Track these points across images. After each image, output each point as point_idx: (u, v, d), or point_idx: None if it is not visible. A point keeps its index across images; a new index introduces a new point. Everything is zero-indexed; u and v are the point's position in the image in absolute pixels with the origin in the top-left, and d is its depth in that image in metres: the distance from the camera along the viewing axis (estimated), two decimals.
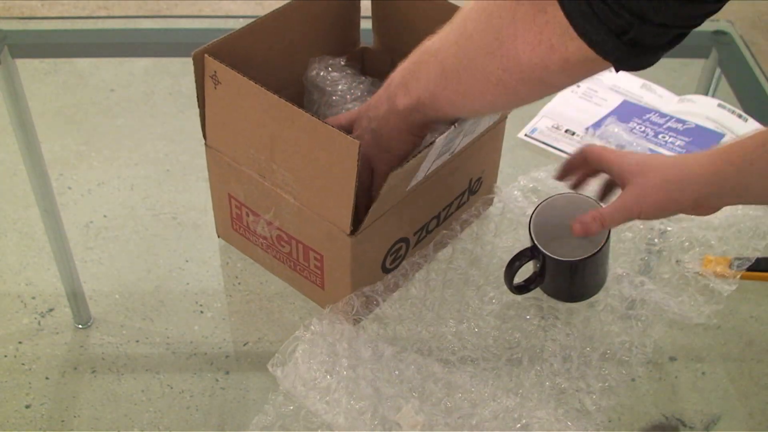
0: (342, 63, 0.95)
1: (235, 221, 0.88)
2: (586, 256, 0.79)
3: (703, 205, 0.77)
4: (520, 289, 0.84)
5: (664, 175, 0.77)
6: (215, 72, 0.76)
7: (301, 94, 0.95)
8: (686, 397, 0.80)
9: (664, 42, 0.58)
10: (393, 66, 0.98)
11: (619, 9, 0.54)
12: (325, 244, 0.79)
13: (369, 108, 0.79)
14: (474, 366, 0.79)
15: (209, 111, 0.81)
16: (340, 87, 0.94)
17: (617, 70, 0.59)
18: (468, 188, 0.91)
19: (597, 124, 1.09)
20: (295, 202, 0.78)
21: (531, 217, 0.81)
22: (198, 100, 0.81)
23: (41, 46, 1.27)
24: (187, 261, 0.91)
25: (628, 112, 1.12)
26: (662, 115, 1.11)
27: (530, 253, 0.81)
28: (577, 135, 1.08)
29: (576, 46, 0.57)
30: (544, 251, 0.80)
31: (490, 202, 0.96)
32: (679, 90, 1.17)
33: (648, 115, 1.11)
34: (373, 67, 1.00)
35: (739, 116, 1.11)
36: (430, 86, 0.70)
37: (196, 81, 0.79)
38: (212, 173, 0.87)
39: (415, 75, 0.71)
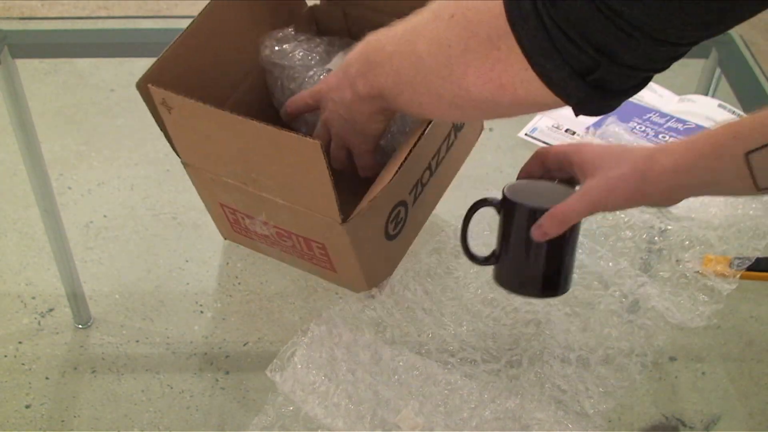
0: (291, 32, 0.92)
1: (234, 225, 0.88)
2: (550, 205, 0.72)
3: (672, 197, 0.73)
4: (476, 258, 0.77)
5: (633, 167, 0.71)
6: (164, 99, 0.75)
7: (264, 76, 0.93)
8: (686, 397, 0.80)
9: (630, 86, 0.54)
10: (345, 17, 0.95)
11: (585, 45, 0.50)
12: (323, 234, 0.79)
13: (331, 89, 0.77)
14: (473, 368, 0.79)
15: (173, 134, 0.80)
16: (297, 57, 0.91)
17: (576, 114, 0.56)
18: (452, 127, 0.88)
19: (597, 124, 1.09)
20: (284, 203, 0.78)
21: (504, 186, 0.76)
22: (158, 125, 0.79)
23: (41, 46, 1.27)
24: (187, 261, 0.91)
25: (628, 111, 1.12)
26: (663, 115, 1.11)
27: (494, 202, 0.76)
28: (578, 134, 1.08)
29: (532, 87, 0.54)
30: (510, 197, 0.74)
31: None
32: (679, 90, 1.17)
33: (648, 115, 1.11)
34: (327, 23, 0.97)
35: (740, 116, 1.11)
36: (389, 85, 0.68)
37: (149, 109, 0.77)
38: (198, 186, 0.86)
39: (372, 70, 0.69)
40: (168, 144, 0.85)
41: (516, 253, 0.76)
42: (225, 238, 0.93)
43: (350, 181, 0.77)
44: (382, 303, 0.84)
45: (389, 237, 0.83)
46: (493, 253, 0.77)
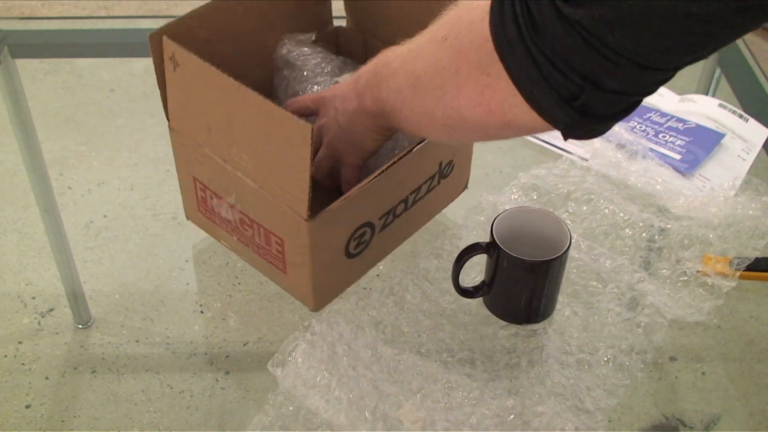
0: (312, 39, 0.93)
1: (201, 204, 0.87)
2: (544, 258, 0.79)
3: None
4: (466, 292, 0.83)
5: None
6: (173, 54, 0.75)
7: (272, 72, 0.94)
8: (686, 397, 0.80)
9: (617, 110, 0.54)
10: (365, 46, 0.98)
11: (570, 73, 0.50)
12: (284, 229, 0.78)
13: (336, 97, 0.78)
14: (473, 368, 0.79)
15: (170, 93, 0.80)
16: (311, 63, 0.92)
17: (565, 138, 0.56)
18: (438, 171, 0.89)
19: None
20: (254, 185, 0.77)
21: (494, 220, 0.81)
22: (158, 82, 0.79)
23: (41, 46, 1.27)
24: (187, 261, 0.91)
25: None
26: (663, 114, 1.11)
27: (486, 247, 0.80)
28: None
29: (520, 112, 0.54)
30: (501, 246, 0.79)
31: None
32: (679, 89, 1.17)
33: (649, 115, 1.11)
34: (347, 47, 0.99)
35: (740, 116, 1.11)
36: (390, 101, 0.69)
37: (154, 62, 0.78)
38: (177, 156, 0.86)
39: (378, 84, 0.70)
40: (168, 143, 0.86)
41: (501, 289, 0.83)
42: (187, 218, 0.92)
43: (325, 197, 0.77)
44: (382, 303, 0.84)
45: (349, 255, 0.82)
46: (483, 283, 0.84)
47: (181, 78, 0.77)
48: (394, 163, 0.79)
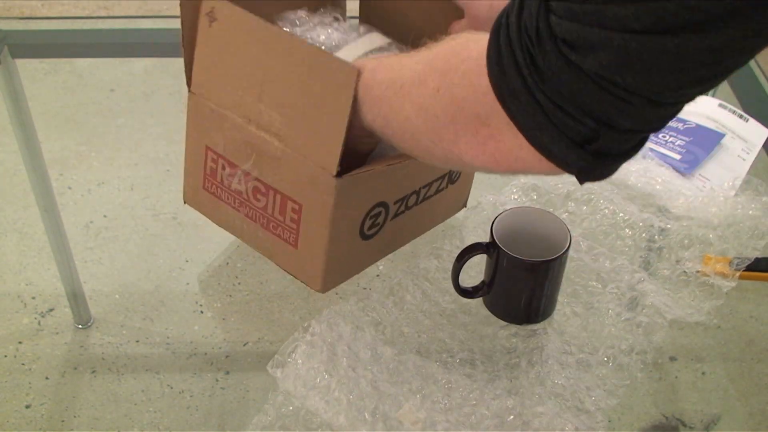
0: (305, 15, 0.89)
1: (208, 178, 0.86)
2: (544, 258, 0.79)
3: None
4: (466, 292, 0.83)
5: None
6: (212, 8, 0.75)
7: None
8: (686, 397, 0.80)
9: (630, 147, 0.54)
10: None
11: (582, 116, 0.50)
12: (305, 192, 0.77)
13: None
14: (473, 368, 0.79)
15: (199, 53, 0.79)
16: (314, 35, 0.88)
17: (581, 182, 0.55)
18: (448, 174, 0.90)
19: None
20: (280, 145, 0.76)
21: (494, 220, 0.81)
22: (183, 44, 0.79)
23: (41, 46, 1.27)
24: (187, 261, 0.91)
25: None
26: None
27: (485, 247, 0.80)
28: None
29: (529, 159, 0.53)
30: (500, 246, 0.79)
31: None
32: None
33: None
34: None
35: (740, 116, 1.11)
36: (378, 126, 0.66)
37: (183, 23, 0.77)
38: (191, 124, 0.85)
39: (361, 107, 0.67)
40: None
41: (501, 289, 0.83)
42: (185, 202, 0.90)
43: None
44: (382, 304, 0.84)
45: (363, 235, 0.82)
46: (483, 283, 0.83)
47: (215, 34, 0.76)
48: None
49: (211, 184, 0.86)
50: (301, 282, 0.83)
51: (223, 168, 0.83)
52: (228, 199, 0.85)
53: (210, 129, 0.82)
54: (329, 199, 0.75)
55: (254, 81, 0.76)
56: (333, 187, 0.74)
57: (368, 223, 0.82)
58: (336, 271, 0.82)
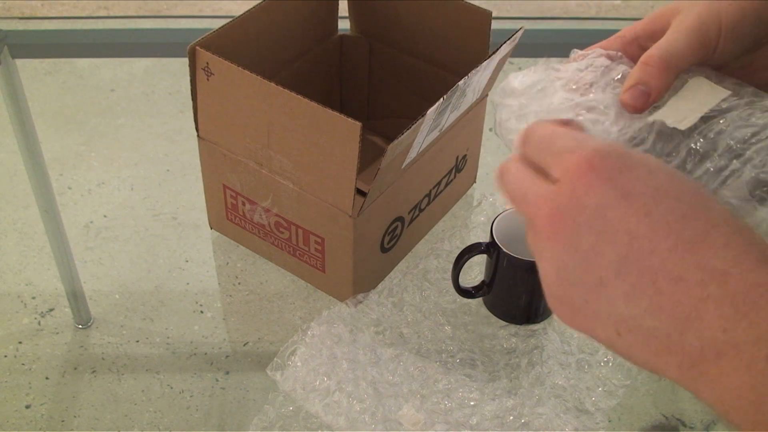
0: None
1: (230, 211, 0.88)
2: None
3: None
4: (466, 292, 0.83)
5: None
6: (207, 63, 0.76)
7: (288, 80, 0.93)
8: (686, 397, 0.80)
9: None
10: (371, 52, 0.97)
11: None
12: (326, 227, 0.80)
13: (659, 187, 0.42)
14: (473, 368, 0.79)
15: (201, 103, 0.81)
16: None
17: None
18: (455, 166, 0.92)
19: None
20: (295, 188, 0.79)
21: (494, 220, 0.81)
22: (192, 94, 0.81)
23: (41, 46, 1.27)
24: (187, 261, 0.91)
25: None
26: None
27: (485, 247, 0.81)
28: None
29: None
30: (500, 246, 0.79)
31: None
32: None
33: None
34: (352, 54, 0.99)
35: None
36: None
37: (190, 76, 0.79)
38: (205, 165, 0.87)
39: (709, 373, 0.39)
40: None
41: (501, 289, 0.83)
42: (211, 227, 0.93)
43: None
44: (381, 305, 0.84)
45: (383, 249, 0.85)
46: (483, 283, 0.83)
47: (214, 87, 0.78)
48: (418, 159, 0.82)
49: (234, 216, 0.88)
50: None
51: (243, 204, 0.86)
52: (252, 229, 0.88)
53: (225, 171, 0.84)
54: (349, 234, 0.78)
55: (260, 130, 0.77)
56: (352, 226, 0.77)
57: (387, 238, 0.85)
58: (363, 285, 0.85)
